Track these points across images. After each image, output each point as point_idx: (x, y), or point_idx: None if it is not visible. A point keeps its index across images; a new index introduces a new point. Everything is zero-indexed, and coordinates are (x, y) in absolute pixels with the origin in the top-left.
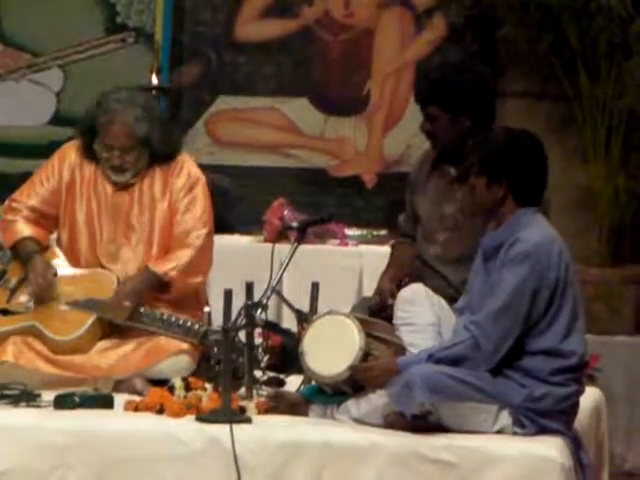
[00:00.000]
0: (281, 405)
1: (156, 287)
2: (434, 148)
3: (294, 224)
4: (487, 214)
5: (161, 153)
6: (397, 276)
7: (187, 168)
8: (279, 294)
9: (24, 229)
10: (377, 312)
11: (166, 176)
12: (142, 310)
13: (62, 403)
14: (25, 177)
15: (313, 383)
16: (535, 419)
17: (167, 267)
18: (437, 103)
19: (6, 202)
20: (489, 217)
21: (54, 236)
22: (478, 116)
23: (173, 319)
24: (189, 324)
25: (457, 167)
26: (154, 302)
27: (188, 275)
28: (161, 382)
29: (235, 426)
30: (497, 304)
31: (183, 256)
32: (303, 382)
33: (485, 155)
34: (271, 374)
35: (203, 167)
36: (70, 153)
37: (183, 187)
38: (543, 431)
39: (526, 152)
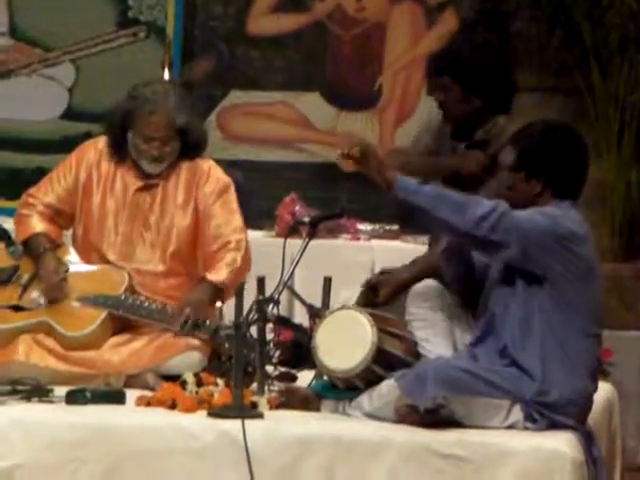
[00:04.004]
0: (293, 400)
1: (214, 297)
2: (445, 119)
3: (306, 219)
4: (523, 205)
5: (195, 143)
6: None
7: (215, 174)
8: (291, 289)
9: (37, 225)
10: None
11: (191, 184)
12: (153, 306)
13: (74, 399)
14: (37, 172)
15: (325, 378)
16: (546, 414)
17: (223, 274)
18: (450, 74)
19: (23, 196)
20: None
21: (68, 232)
22: (490, 99)
23: None
24: (200, 321)
25: (467, 146)
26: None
27: (238, 278)
28: (173, 378)
29: (247, 421)
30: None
31: (235, 260)
32: (315, 377)
33: (523, 150)
34: (283, 369)
35: (214, 162)
36: (88, 152)
37: (213, 192)
38: (554, 426)
39: (565, 147)
